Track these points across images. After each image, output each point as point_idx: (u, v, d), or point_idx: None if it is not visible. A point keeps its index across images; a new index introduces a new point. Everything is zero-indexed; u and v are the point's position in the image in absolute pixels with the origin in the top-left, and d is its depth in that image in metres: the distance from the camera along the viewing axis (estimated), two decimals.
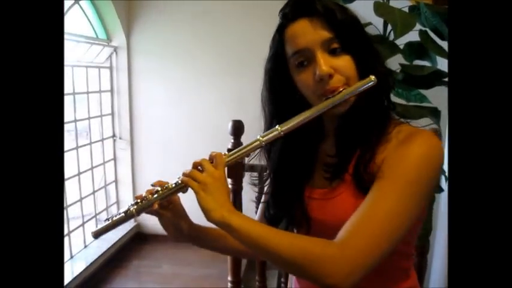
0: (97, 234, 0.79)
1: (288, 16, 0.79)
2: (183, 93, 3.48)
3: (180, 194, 0.81)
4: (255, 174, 1.83)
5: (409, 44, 1.55)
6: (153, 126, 3.57)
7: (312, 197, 0.85)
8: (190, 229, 0.88)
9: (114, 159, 3.62)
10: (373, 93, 0.77)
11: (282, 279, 2.08)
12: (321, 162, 0.86)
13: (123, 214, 0.78)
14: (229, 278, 2.02)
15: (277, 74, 0.83)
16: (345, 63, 0.76)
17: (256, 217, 0.99)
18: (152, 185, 0.81)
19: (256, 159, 0.90)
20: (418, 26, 1.48)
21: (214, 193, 0.72)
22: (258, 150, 0.84)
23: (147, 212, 0.80)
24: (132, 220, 3.64)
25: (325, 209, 0.82)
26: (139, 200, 0.79)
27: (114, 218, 0.79)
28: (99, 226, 0.80)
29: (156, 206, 0.79)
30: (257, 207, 1.81)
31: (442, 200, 2.11)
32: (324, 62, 0.75)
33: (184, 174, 0.76)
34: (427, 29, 1.50)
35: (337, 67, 0.75)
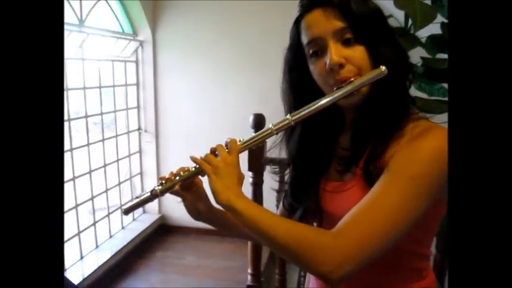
0: (127, 211, 0.85)
1: (304, 6, 0.80)
2: (206, 88, 3.51)
3: (205, 180, 0.85)
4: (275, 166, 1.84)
5: (431, 37, 1.52)
6: (177, 119, 3.62)
7: (326, 189, 0.86)
8: (210, 211, 0.91)
9: (140, 151, 3.69)
10: (390, 86, 0.76)
11: (302, 273, 2.08)
12: (337, 155, 0.86)
13: (149, 193, 0.83)
14: (249, 271, 2.04)
15: (296, 65, 0.85)
16: (357, 53, 0.76)
17: (279, 209, 1.00)
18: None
19: (276, 153, 0.92)
20: (440, 19, 1.45)
21: (224, 177, 0.74)
22: (277, 141, 0.89)
23: (171, 193, 0.85)
24: (157, 212, 3.71)
25: (335, 201, 0.82)
26: (163, 181, 0.84)
27: (142, 197, 0.84)
28: (128, 204, 0.85)
29: (177, 187, 0.84)
30: (278, 199, 1.82)
31: None
32: (335, 52, 0.75)
33: (201, 158, 0.80)
34: None
35: (349, 57, 0.75)
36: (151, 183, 3.69)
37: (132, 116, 3.58)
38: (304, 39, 0.80)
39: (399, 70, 0.77)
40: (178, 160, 3.74)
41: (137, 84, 3.58)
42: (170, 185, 0.84)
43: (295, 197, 0.90)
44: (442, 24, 1.43)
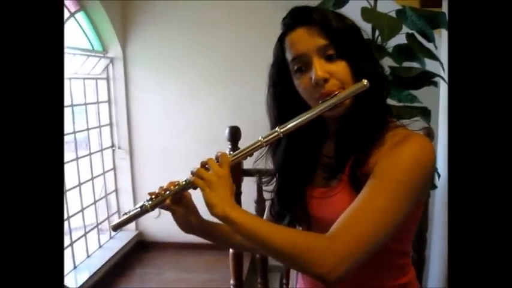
0: (116, 227, 0.88)
1: (287, 25, 0.85)
2: (180, 102, 3.52)
3: (193, 193, 0.89)
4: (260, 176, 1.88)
5: (398, 47, 1.60)
6: (151, 135, 3.60)
7: (313, 195, 0.90)
8: (200, 224, 0.94)
9: (114, 168, 3.65)
10: (370, 98, 0.82)
11: (284, 281, 2.11)
12: (322, 163, 0.90)
13: (139, 209, 0.86)
14: (231, 282, 2.05)
15: (280, 80, 0.89)
16: (340, 68, 0.81)
17: (265, 215, 1.04)
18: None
19: (257, 164, 0.95)
20: (405, 29, 1.53)
21: (218, 190, 0.77)
22: (263, 152, 0.92)
23: (161, 207, 0.88)
24: (134, 229, 3.66)
25: (323, 207, 0.86)
26: (153, 196, 0.86)
27: (131, 213, 0.86)
28: (117, 220, 0.88)
29: (168, 201, 0.87)
30: (256, 209, 1.85)
31: (437, 197, 2.15)
32: (320, 67, 0.80)
33: (192, 173, 0.81)
34: (414, 32, 1.55)
35: (333, 72, 0.81)
36: (127, 200, 3.66)
37: (105, 133, 3.54)
38: (289, 56, 0.85)
39: (378, 82, 0.83)
40: (153, 176, 3.72)
41: (109, 101, 3.55)
42: (160, 200, 0.86)
43: (282, 205, 0.94)
44: (407, 34, 1.52)
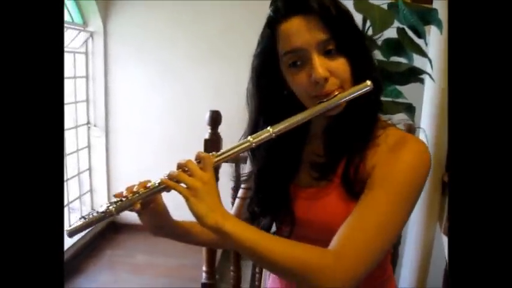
0: (71, 233, 0.76)
1: (280, 11, 0.76)
2: (161, 82, 3.43)
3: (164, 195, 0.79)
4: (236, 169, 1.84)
5: (387, 41, 1.57)
6: (129, 114, 3.51)
7: (298, 195, 0.85)
8: (170, 226, 0.87)
9: (89, 146, 3.55)
10: (366, 97, 0.76)
11: (257, 270, 2.10)
12: (307, 161, 0.86)
13: (102, 213, 0.75)
14: (203, 268, 2.03)
15: (266, 71, 0.81)
16: (340, 65, 0.75)
17: (232, 211, 0.98)
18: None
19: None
20: (396, 23, 1.50)
21: (205, 198, 0.69)
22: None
23: (129, 210, 0.77)
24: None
25: (311, 208, 0.82)
26: (119, 199, 0.75)
27: (91, 217, 0.75)
28: (74, 225, 0.76)
29: (138, 206, 0.76)
30: (233, 201, 1.82)
31: None
32: (321, 65, 0.73)
33: (170, 177, 0.73)
34: (405, 27, 1.53)
35: (333, 70, 0.74)
36: (100, 180, 3.58)
37: (80, 109, 3.43)
38: (283, 48, 0.76)
39: (376, 80, 0.78)
40: (128, 156, 3.64)
41: (87, 76, 3.44)
42: (128, 204, 0.75)
43: (263, 205, 0.89)
44: (398, 29, 1.50)
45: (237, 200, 0.98)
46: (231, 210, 0.99)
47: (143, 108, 3.49)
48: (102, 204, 0.77)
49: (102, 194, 3.60)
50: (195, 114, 3.25)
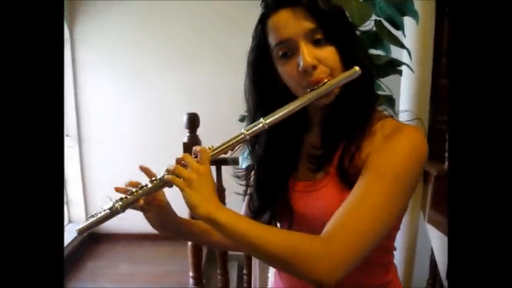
0: (81, 231, 0.79)
1: (269, 6, 0.78)
2: (133, 87, 3.38)
3: (172, 190, 0.78)
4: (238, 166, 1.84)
5: (365, 33, 1.57)
6: (102, 122, 3.44)
7: (295, 189, 0.85)
8: (176, 223, 0.87)
9: None
10: (358, 85, 0.77)
11: (245, 271, 2.09)
12: (306, 154, 0.85)
13: (108, 211, 0.76)
14: (190, 274, 2.01)
15: (260, 65, 0.82)
16: (328, 54, 0.75)
17: (242, 211, 0.97)
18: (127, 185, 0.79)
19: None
20: (372, 16, 1.51)
21: (199, 189, 0.70)
22: (240, 144, 0.82)
23: (132, 208, 0.79)
24: (84, 220, 3.45)
25: (307, 201, 0.82)
26: (124, 196, 0.77)
27: (99, 215, 0.77)
28: (84, 224, 0.79)
29: (141, 201, 0.77)
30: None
31: None
32: (308, 53, 0.74)
33: (168, 171, 0.74)
34: (382, 19, 1.53)
35: (321, 58, 0.75)
36: (76, 190, 3.49)
37: None
38: (272, 41, 0.78)
39: (367, 68, 0.78)
40: (104, 165, 3.57)
41: None
42: (132, 200, 0.77)
43: (263, 199, 0.88)
44: (376, 21, 1.49)
45: (245, 206, 0.97)
46: (241, 210, 0.99)
47: (116, 115, 3.42)
48: (100, 205, 0.80)
49: (79, 206, 3.51)
50: (169, 118, 3.21)
